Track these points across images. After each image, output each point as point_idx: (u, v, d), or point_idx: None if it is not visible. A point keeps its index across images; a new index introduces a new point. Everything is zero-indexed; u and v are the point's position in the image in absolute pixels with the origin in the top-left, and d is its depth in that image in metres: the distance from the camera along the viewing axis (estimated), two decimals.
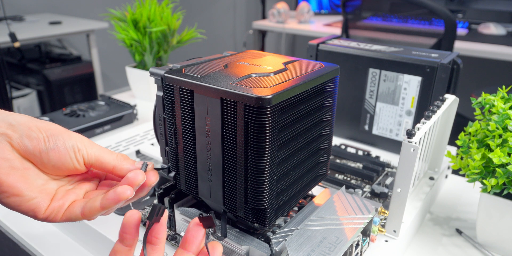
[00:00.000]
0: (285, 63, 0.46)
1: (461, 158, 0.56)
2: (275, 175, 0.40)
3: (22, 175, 0.35)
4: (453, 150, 0.77)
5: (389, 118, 0.74)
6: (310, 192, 0.53)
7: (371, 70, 0.72)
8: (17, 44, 1.66)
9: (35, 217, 0.36)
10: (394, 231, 0.51)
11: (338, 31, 2.00)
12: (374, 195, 0.59)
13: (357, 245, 0.46)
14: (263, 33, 2.42)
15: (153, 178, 0.39)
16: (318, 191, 0.52)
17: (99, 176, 0.41)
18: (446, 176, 0.72)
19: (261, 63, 0.46)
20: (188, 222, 0.47)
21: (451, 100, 0.59)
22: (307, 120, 0.44)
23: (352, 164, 0.67)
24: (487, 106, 0.54)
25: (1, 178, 0.33)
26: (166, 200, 0.50)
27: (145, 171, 0.39)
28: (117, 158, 0.39)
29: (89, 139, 0.39)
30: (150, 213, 0.33)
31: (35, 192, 0.35)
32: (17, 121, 0.35)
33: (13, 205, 0.34)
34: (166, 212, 0.35)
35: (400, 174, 0.48)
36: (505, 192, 0.49)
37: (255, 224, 0.44)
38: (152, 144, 0.74)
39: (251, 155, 0.38)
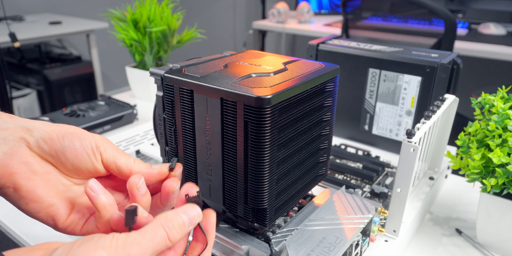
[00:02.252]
0: (285, 63, 0.46)
1: (461, 158, 0.56)
2: (275, 175, 0.40)
3: (42, 180, 0.34)
4: (453, 150, 0.77)
5: (389, 118, 0.74)
6: (310, 192, 0.53)
7: (371, 70, 0.72)
8: (17, 44, 1.66)
9: (54, 225, 0.35)
10: (394, 231, 0.51)
11: (338, 31, 2.00)
12: (374, 195, 0.59)
13: (357, 245, 0.46)
14: (263, 33, 2.42)
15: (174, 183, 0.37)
16: (318, 191, 0.52)
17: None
18: (446, 176, 0.72)
19: (261, 63, 0.46)
20: None
21: (451, 100, 0.59)
22: (307, 120, 0.44)
23: (352, 164, 0.67)
24: (487, 106, 0.54)
25: (21, 182, 0.33)
26: None
27: (173, 167, 0.37)
28: (134, 163, 0.38)
29: (108, 140, 0.38)
30: (126, 220, 0.31)
31: (54, 198, 0.35)
32: (34, 126, 0.36)
33: (32, 212, 0.34)
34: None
35: (400, 174, 0.48)
36: (505, 192, 0.49)
37: (255, 224, 0.44)
38: (152, 144, 0.74)
39: (251, 155, 0.38)
